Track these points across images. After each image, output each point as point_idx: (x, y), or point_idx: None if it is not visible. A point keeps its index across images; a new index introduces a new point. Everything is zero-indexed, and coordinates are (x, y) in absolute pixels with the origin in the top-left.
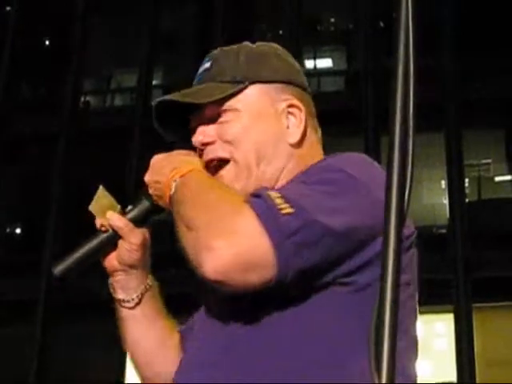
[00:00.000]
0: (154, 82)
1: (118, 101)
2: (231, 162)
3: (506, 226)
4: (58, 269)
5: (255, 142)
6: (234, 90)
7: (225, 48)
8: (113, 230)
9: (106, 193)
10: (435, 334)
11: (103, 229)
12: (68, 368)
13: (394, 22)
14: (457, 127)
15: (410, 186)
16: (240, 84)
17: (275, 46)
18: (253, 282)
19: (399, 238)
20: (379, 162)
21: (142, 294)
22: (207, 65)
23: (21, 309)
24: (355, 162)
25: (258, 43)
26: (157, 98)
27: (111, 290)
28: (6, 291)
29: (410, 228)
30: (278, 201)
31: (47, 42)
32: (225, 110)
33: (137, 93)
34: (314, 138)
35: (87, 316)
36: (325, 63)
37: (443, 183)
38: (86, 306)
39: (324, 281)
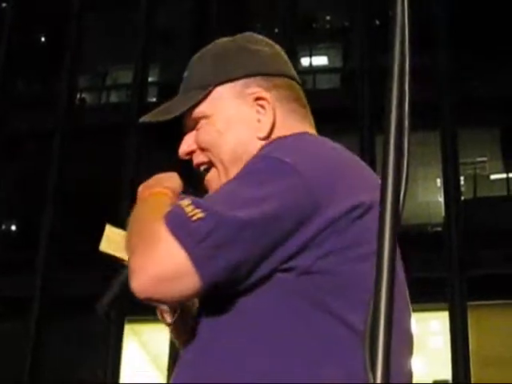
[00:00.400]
0: (149, 79)
1: (114, 97)
2: (213, 168)
3: (501, 224)
4: (101, 309)
5: (229, 145)
6: (198, 97)
7: (199, 53)
8: None
9: (115, 229)
10: (430, 331)
11: (126, 263)
12: (62, 366)
13: (389, 20)
14: (452, 125)
15: (406, 185)
16: (206, 89)
17: (247, 36)
18: (180, 294)
19: (394, 238)
20: (374, 161)
21: (180, 314)
22: (185, 74)
23: (16, 306)
24: (293, 146)
25: (228, 38)
26: (140, 119)
27: (160, 318)
28: (1, 288)
29: (357, 197)
30: (188, 209)
31: (43, 39)
32: (198, 118)
33: (132, 89)
34: (288, 123)
35: (82, 314)
36: (320, 61)
37: (438, 181)
38: (82, 304)
39: (264, 271)
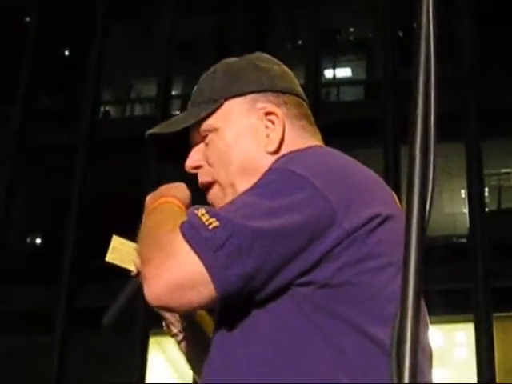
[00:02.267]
0: (173, 92)
1: (138, 110)
2: (216, 184)
3: None
4: (107, 321)
5: (238, 159)
6: (208, 110)
7: (209, 70)
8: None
9: (123, 240)
10: (456, 343)
11: (133, 274)
12: (87, 379)
13: (414, 32)
14: (477, 136)
15: (432, 197)
16: (217, 102)
17: (256, 55)
18: (194, 302)
19: (421, 249)
20: (399, 173)
21: (187, 325)
22: (194, 90)
23: (40, 319)
24: (307, 159)
25: (237, 58)
26: (147, 132)
27: (165, 329)
28: (27, 300)
29: (373, 209)
30: (204, 218)
31: (67, 53)
32: (207, 130)
33: (156, 102)
34: (298, 139)
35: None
36: (344, 73)
37: (463, 192)
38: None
39: (280, 282)
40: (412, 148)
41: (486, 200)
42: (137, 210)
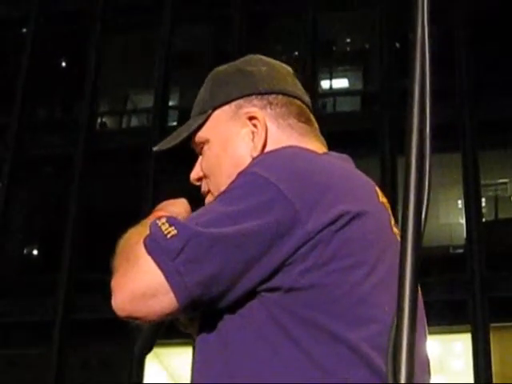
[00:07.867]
0: (170, 103)
1: (135, 122)
2: (209, 194)
3: None
4: (144, 353)
5: (226, 170)
6: (197, 123)
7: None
8: None
9: None
10: (453, 353)
11: None
12: None
13: (409, 43)
14: (473, 147)
15: (427, 207)
16: (205, 114)
17: (247, 58)
18: (157, 311)
19: (417, 260)
20: (395, 184)
21: None
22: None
23: (38, 330)
24: (274, 160)
25: (228, 64)
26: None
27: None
28: (24, 312)
29: (342, 207)
30: (164, 227)
31: (63, 64)
32: (200, 143)
33: (153, 113)
34: (282, 140)
35: (104, 338)
36: (341, 83)
37: (460, 203)
38: (103, 328)
39: (244, 287)
40: (408, 157)
41: (483, 210)
42: (134, 220)
